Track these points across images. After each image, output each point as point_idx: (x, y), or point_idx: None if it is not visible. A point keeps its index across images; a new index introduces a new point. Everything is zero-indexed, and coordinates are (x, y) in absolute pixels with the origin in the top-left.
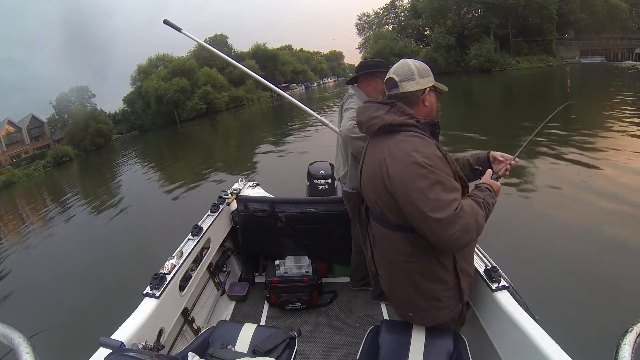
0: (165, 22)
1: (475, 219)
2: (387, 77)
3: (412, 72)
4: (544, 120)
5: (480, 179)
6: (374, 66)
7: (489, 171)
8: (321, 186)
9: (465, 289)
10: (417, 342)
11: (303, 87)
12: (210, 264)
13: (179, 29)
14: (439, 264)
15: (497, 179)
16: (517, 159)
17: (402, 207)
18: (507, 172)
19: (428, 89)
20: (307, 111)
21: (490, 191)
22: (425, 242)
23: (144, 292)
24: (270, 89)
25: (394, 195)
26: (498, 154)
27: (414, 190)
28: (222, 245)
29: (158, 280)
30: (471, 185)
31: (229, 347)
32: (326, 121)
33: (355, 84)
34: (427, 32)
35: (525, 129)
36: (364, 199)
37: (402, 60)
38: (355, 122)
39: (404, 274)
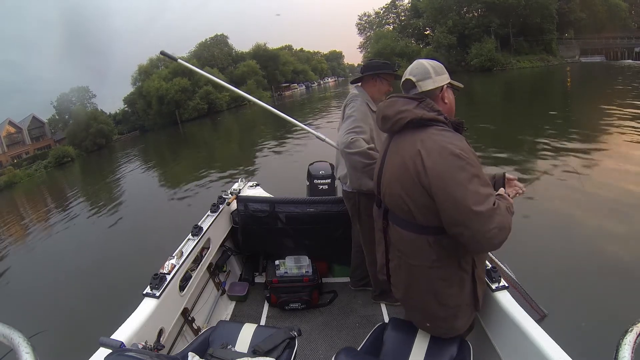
0: (162, 53)
1: (508, 219)
2: (403, 79)
3: (428, 71)
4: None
5: None
6: (379, 67)
7: (502, 189)
8: (321, 186)
9: (480, 297)
10: (421, 343)
11: (303, 87)
12: (210, 264)
13: (175, 59)
14: (460, 269)
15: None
16: (524, 189)
17: (438, 202)
18: (517, 195)
19: (445, 85)
20: (302, 127)
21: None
22: (451, 246)
23: (144, 292)
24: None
25: (429, 190)
26: (513, 177)
27: (452, 182)
28: (222, 245)
29: (158, 280)
30: None
31: (229, 347)
32: (322, 136)
33: (360, 84)
34: (428, 31)
35: (530, 133)
36: (383, 200)
37: (415, 62)
38: (353, 136)
39: (426, 280)
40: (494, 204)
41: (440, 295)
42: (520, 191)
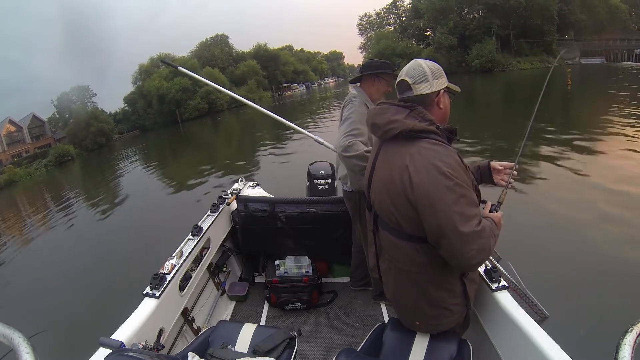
0: (163, 61)
1: (489, 242)
2: (398, 79)
3: (426, 73)
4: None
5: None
6: (378, 67)
7: (489, 203)
8: (321, 186)
9: (471, 296)
10: (420, 343)
11: (304, 87)
12: (210, 264)
13: (175, 67)
14: (448, 272)
15: (496, 209)
16: (517, 165)
17: (423, 218)
18: (511, 182)
19: (442, 90)
20: (300, 131)
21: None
22: (438, 253)
23: (144, 292)
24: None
25: (414, 205)
26: (498, 164)
27: (438, 202)
28: (222, 245)
29: (158, 280)
30: None
31: (229, 347)
32: (320, 139)
33: (358, 84)
34: (429, 32)
35: (530, 133)
36: (373, 205)
37: (413, 61)
38: (350, 139)
39: (413, 284)
40: (478, 225)
41: (429, 297)
42: (514, 173)
